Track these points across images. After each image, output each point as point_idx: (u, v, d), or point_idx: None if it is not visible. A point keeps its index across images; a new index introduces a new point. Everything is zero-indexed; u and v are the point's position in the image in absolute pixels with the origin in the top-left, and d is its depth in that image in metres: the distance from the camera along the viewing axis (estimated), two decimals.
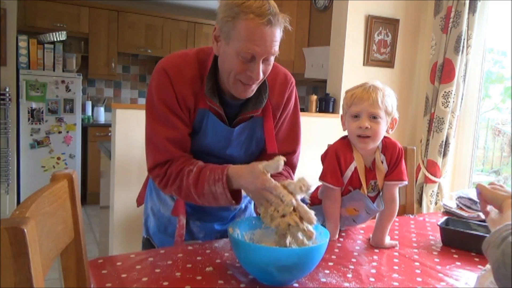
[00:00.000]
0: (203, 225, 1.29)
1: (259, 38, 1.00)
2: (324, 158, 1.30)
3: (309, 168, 1.37)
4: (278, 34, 1.03)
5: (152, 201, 1.33)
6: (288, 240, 0.99)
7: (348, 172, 1.25)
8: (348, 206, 1.28)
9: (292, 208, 0.95)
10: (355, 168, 1.24)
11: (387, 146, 1.27)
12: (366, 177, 1.25)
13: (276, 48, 1.04)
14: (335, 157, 1.24)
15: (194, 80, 1.13)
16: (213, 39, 1.09)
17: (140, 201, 1.43)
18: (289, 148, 1.26)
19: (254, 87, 1.12)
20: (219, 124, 1.15)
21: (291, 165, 1.28)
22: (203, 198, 1.09)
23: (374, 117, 1.19)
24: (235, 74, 1.06)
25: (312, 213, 0.96)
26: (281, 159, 0.98)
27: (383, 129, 1.21)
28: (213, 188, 1.06)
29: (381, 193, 1.29)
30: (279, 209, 0.95)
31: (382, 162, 1.26)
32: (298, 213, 0.95)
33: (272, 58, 1.08)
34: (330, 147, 1.30)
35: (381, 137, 1.23)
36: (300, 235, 0.96)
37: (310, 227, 0.95)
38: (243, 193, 1.12)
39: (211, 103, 1.13)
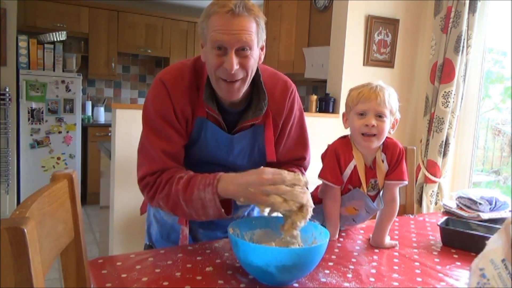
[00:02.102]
0: (206, 233, 1.29)
1: (225, 27, 1.01)
2: (324, 157, 1.30)
3: (309, 168, 1.37)
4: (248, 24, 1.03)
5: (155, 208, 1.31)
6: (297, 234, 0.99)
7: (348, 171, 1.25)
8: (348, 205, 1.28)
9: (303, 184, 0.98)
10: (355, 166, 1.25)
11: (388, 145, 1.27)
12: (366, 175, 1.26)
13: (248, 37, 1.02)
14: (335, 156, 1.24)
15: (191, 89, 1.13)
16: (200, 48, 1.13)
17: (143, 209, 1.41)
18: (300, 154, 1.29)
19: (240, 86, 1.09)
20: (218, 131, 1.15)
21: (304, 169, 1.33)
22: (191, 205, 1.05)
23: (380, 116, 1.20)
24: (214, 70, 1.06)
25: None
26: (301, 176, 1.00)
27: (387, 128, 1.22)
28: (202, 194, 1.02)
29: (381, 192, 1.29)
30: (289, 196, 0.95)
31: (382, 161, 1.26)
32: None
33: (251, 52, 1.05)
34: (329, 146, 1.30)
35: (385, 136, 1.24)
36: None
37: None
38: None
39: (209, 109, 1.12)
